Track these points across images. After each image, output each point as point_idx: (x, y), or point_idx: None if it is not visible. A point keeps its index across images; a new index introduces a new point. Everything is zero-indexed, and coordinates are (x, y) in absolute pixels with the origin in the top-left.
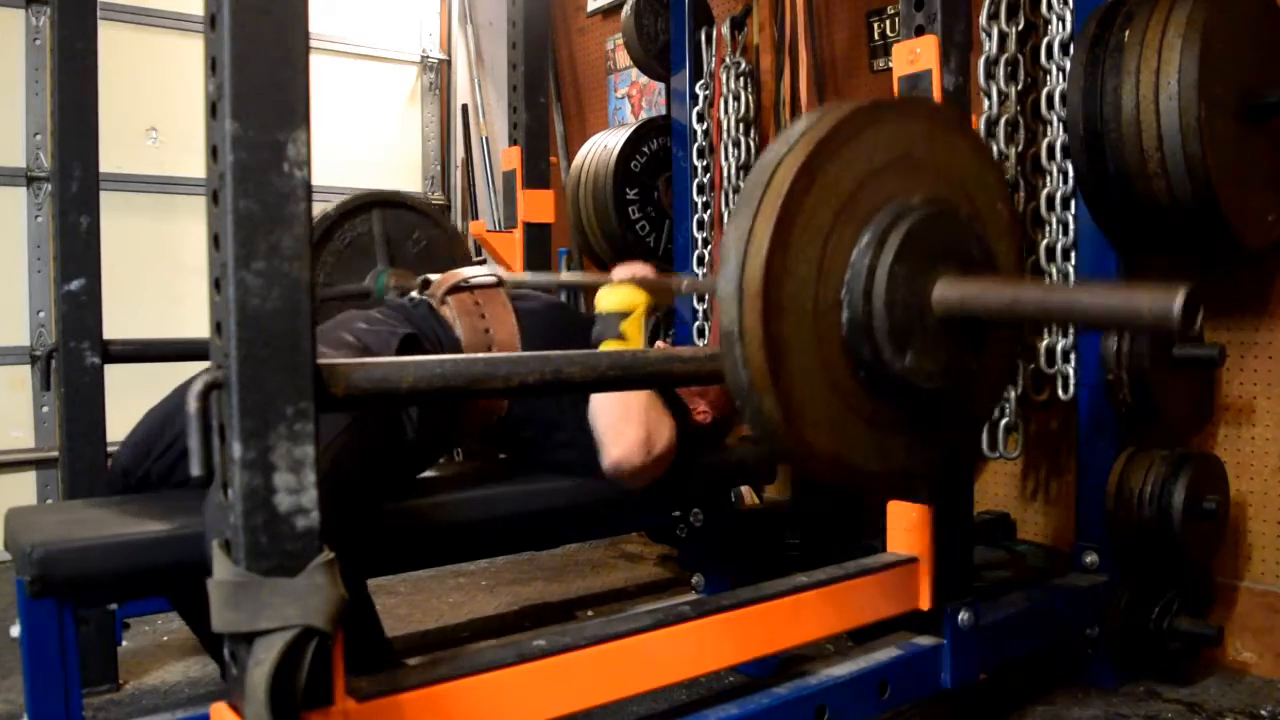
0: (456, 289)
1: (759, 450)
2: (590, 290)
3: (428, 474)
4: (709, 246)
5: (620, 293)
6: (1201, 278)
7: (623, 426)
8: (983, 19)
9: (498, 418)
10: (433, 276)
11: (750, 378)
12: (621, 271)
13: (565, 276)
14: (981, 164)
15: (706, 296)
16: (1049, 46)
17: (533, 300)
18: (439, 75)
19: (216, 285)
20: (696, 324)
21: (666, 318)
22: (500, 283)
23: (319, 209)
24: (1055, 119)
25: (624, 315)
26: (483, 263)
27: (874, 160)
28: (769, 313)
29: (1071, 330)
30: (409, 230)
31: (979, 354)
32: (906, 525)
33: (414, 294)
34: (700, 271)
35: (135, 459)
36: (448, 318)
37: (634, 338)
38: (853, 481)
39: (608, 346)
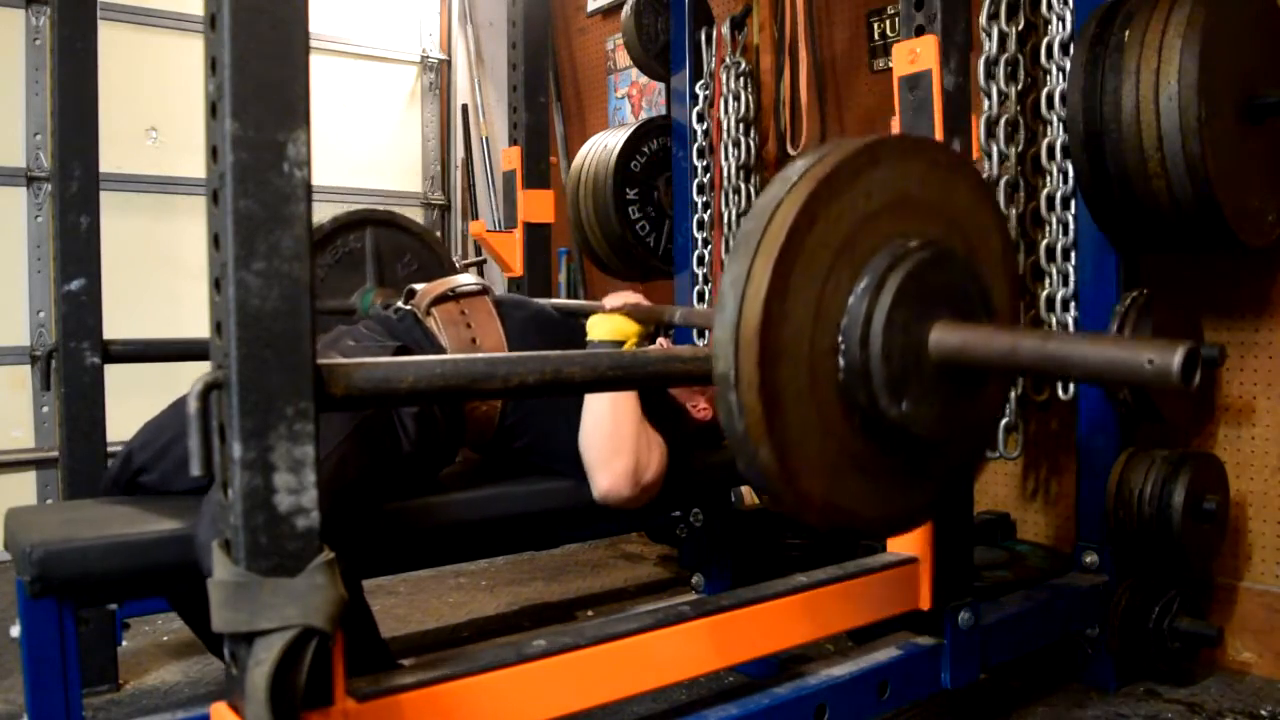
0: (442, 299)
1: None
2: (582, 317)
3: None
4: (709, 246)
5: (612, 322)
6: (1201, 278)
7: (610, 458)
8: (983, 19)
9: (493, 431)
10: (418, 286)
11: (746, 427)
12: (613, 300)
13: (556, 301)
14: (979, 203)
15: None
16: (1049, 46)
17: (519, 307)
18: (439, 75)
19: (216, 285)
20: None
21: None
22: (485, 290)
23: (319, 209)
24: (1055, 119)
25: (617, 345)
26: (483, 262)
27: (873, 201)
28: (766, 358)
29: (1072, 330)
30: (401, 251)
31: (974, 401)
32: None
33: (399, 304)
34: (700, 272)
35: (120, 469)
36: (433, 328)
37: None
38: (846, 528)
39: None
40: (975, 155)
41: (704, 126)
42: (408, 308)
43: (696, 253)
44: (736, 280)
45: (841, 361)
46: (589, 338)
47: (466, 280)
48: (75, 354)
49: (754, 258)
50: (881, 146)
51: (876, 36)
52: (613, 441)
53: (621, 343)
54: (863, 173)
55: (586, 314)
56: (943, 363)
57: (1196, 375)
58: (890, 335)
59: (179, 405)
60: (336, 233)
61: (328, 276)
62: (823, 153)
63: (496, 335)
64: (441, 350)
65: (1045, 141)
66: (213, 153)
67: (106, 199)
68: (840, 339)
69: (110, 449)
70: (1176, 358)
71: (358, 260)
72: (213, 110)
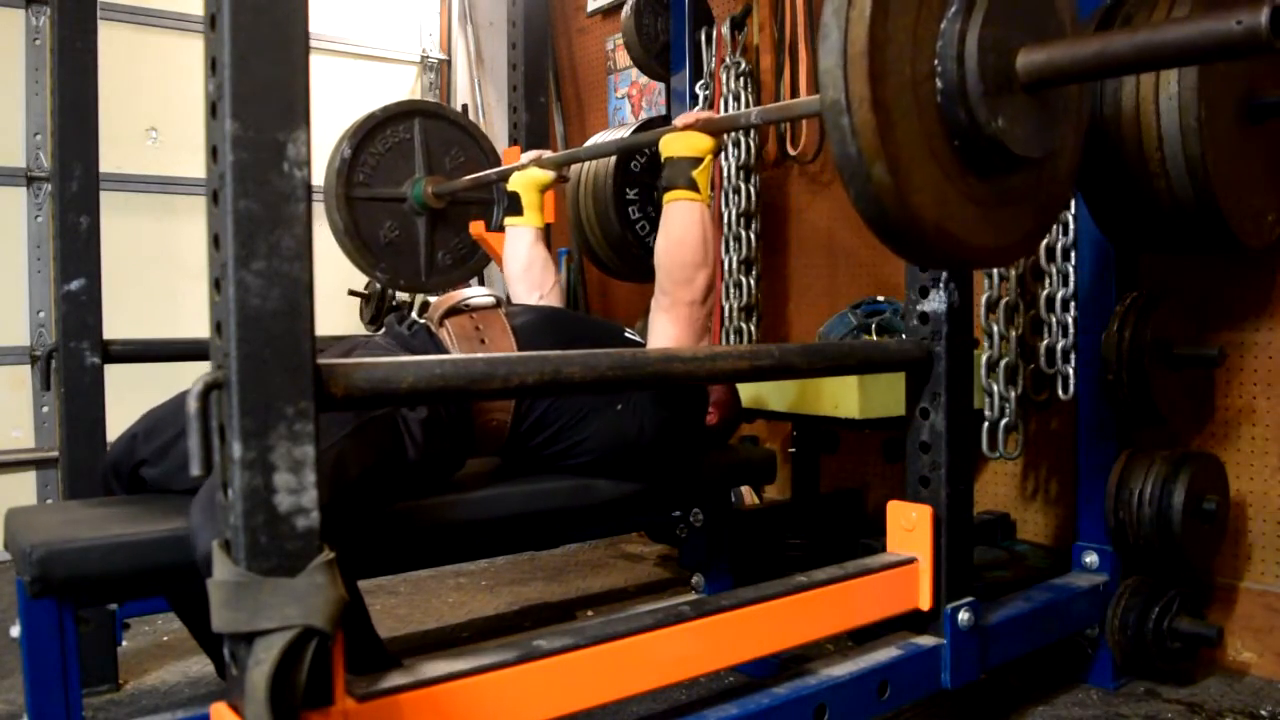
0: (454, 311)
1: (760, 450)
2: (652, 144)
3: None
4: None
5: (687, 139)
6: (1201, 278)
7: (699, 269)
8: None
9: (504, 440)
10: (431, 299)
11: (860, 145)
12: (686, 117)
13: (623, 136)
14: None
15: None
16: None
17: (529, 314)
18: (439, 75)
19: (216, 285)
20: None
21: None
22: (498, 303)
23: (320, 209)
24: None
25: (695, 162)
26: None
27: None
28: (875, 77)
29: (1072, 330)
30: (449, 144)
31: (1060, 126)
32: (906, 525)
33: (413, 317)
34: None
35: (123, 455)
36: (445, 341)
37: (704, 186)
38: (951, 255)
39: (678, 194)
40: None
41: None
42: (421, 321)
43: None
44: (839, 8)
45: (939, 84)
46: (665, 155)
47: (479, 293)
48: (75, 354)
49: None
50: None
51: None
52: (703, 251)
53: (699, 160)
54: None
55: (655, 142)
56: (1032, 83)
57: None
58: (984, 52)
59: (179, 400)
60: (386, 122)
61: (379, 164)
62: None
63: (509, 347)
64: None
65: None
66: (213, 153)
67: (106, 199)
68: (937, 62)
69: None
70: (1264, 14)
71: (407, 151)
72: (213, 110)
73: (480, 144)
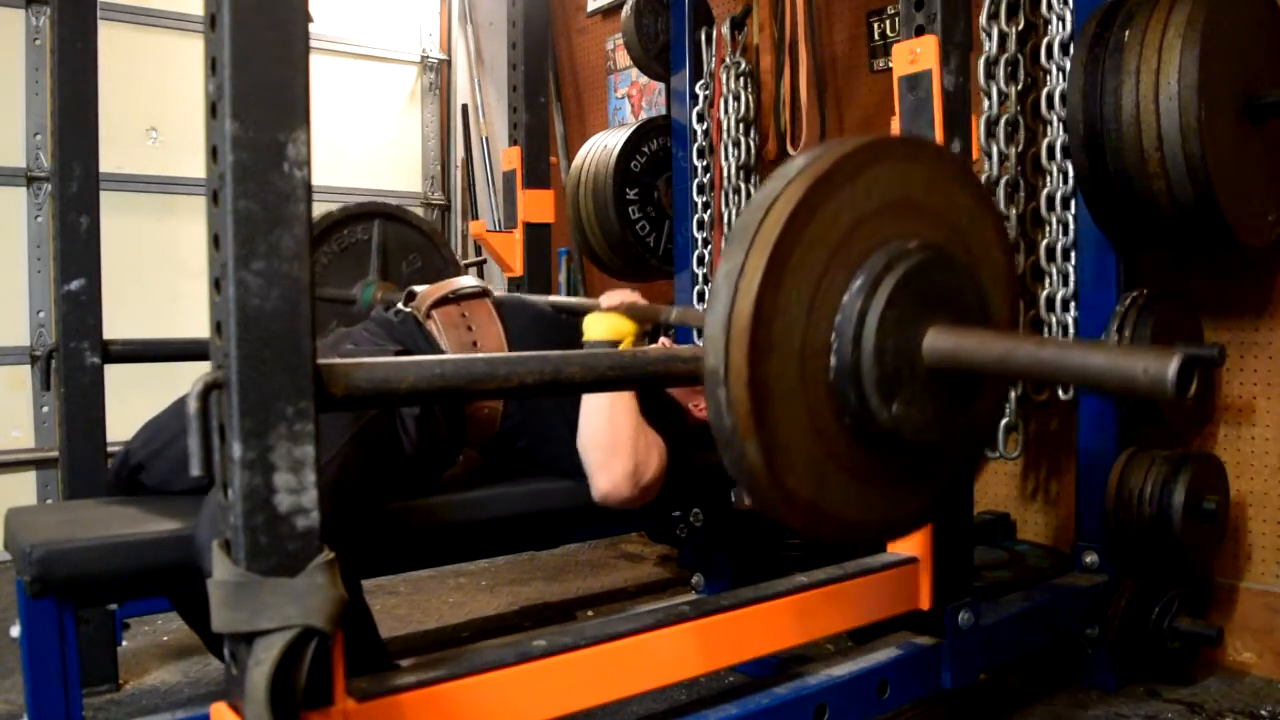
0: (443, 301)
1: None
2: (579, 314)
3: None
4: (709, 246)
5: (608, 321)
6: (1202, 278)
7: (609, 460)
8: (983, 19)
9: (494, 433)
10: (418, 289)
11: (734, 423)
12: (610, 299)
13: (554, 299)
14: (982, 212)
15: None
16: (1049, 46)
17: (519, 308)
18: (439, 75)
19: (216, 285)
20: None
21: None
22: (486, 292)
23: (320, 209)
24: (1055, 119)
25: (613, 345)
26: (483, 262)
27: (872, 200)
28: (756, 352)
29: (1072, 330)
30: (408, 248)
31: (968, 408)
32: None
33: (399, 306)
34: (700, 272)
35: (122, 464)
36: (434, 331)
37: None
38: (830, 534)
39: None
40: (975, 156)
41: (704, 126)
42: (408, 310)
43: (696, 253)
44: (730, 273)
45: (833, 360)
46: (586, 338)
47: (467, 282)
48: (75, 354)
49: (749, 251)
50: (884, 145)
51: (876, 36)
52: (611, 443)
53: (617, 342)
54: (864, 170)
55: (584, 312)
56: (936, 367)
57: (1192, 386)
58: (883, 335)
59: (179, 405)
60: (344, 222)
61: (331, 264)
62: (823, 149)
63: (497, 338)
64: (441, 353)
65: (1045, 141)
66: (213, 153)
67: (106, 199)
68: (833, 336)
69: (110, 449)
70: (1171, 368)
71: (362, 252)
72: (213, 110)
73: (441, 252)
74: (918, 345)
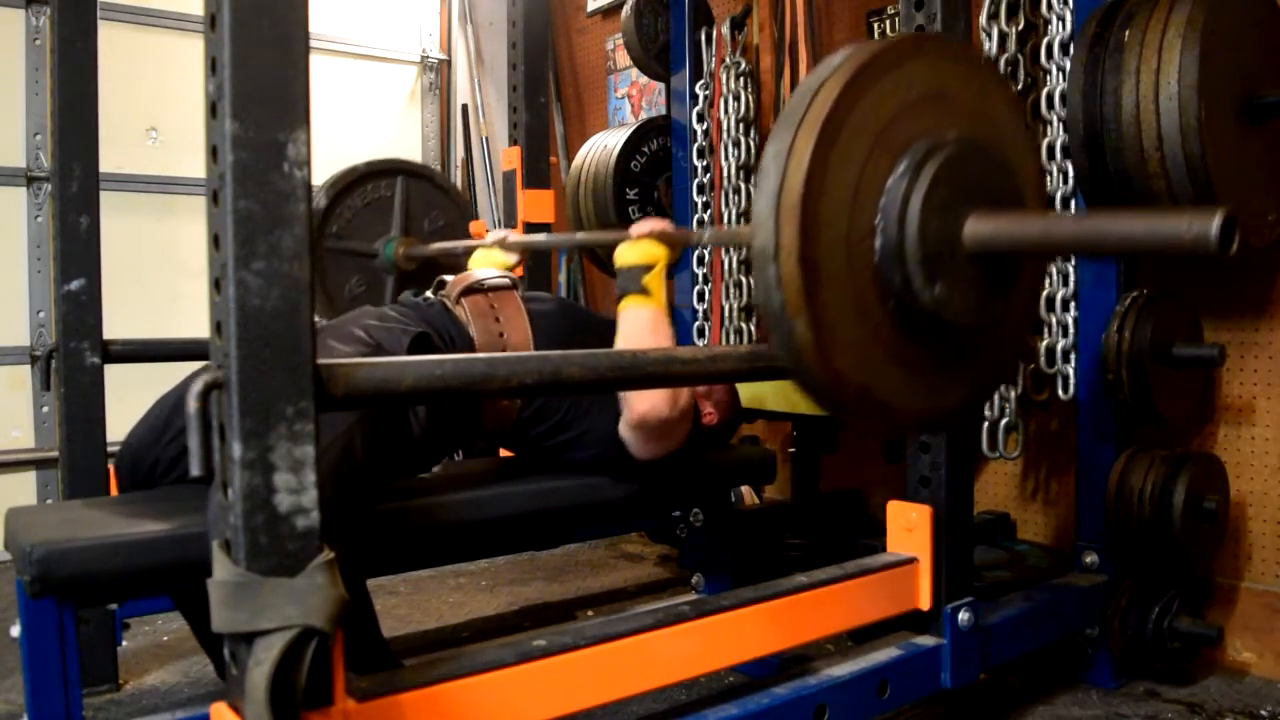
0: (471, 290)
1: (759, 450)
2: (609, 247)
3: (428, 474)
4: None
5: (640, 247)
6: (1202, 278)
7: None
8: (983, 19)
9: (512, 421)
10: (447, 277)
11: (784, 298)
12: (640, 227)
13: (580, 236)
14: (1014, 116)
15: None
16: (1049, 46)
17: (545, 302)
18: (439, 75)
19: (216, 285)
20: (696, 324)
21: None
22: (514, 285)
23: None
24: (1055, 119)
25: (646, 269)
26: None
27: (912, 92)
28: (806, 228)
29: (1072, 330)
30: (430, 205)
31: (1006, 295)
32: (906, 525)
33: (428, 294)
34: (700, 272)
35: (146, 444)
36: (462, 318)
37: (657, 291)
38: (876, 419)
39: (631, 301)
40: None
41: (704, 126)
42: (437, 297)
43: (696, 252)
44: (779, 154)
45: (878, 243)
46: (618, 265)
47: (495, 274)
48: (75, 354)
49: (796, 132)
50: (925, 41)
51: (876, 36)
52: None
53: (650, 267)
54: (905, 62)
55: (614, 244)
56: (977, 251)
57: (1234, 242)
58: (928, 215)
59: (168, 398)
60: (369, 176)
61: (355, 219)
62: (866, 43)
63: (524, 330)
64: (470, 340)
65: (1045, 141)
66: (213, 153)
67: (106, 199)
68: (878, 219)
69: (110, 449)
70: (1215, 223)
71: (385, 208)
72: (213, 110)
73: (463, 210)
74: (958, 231)
